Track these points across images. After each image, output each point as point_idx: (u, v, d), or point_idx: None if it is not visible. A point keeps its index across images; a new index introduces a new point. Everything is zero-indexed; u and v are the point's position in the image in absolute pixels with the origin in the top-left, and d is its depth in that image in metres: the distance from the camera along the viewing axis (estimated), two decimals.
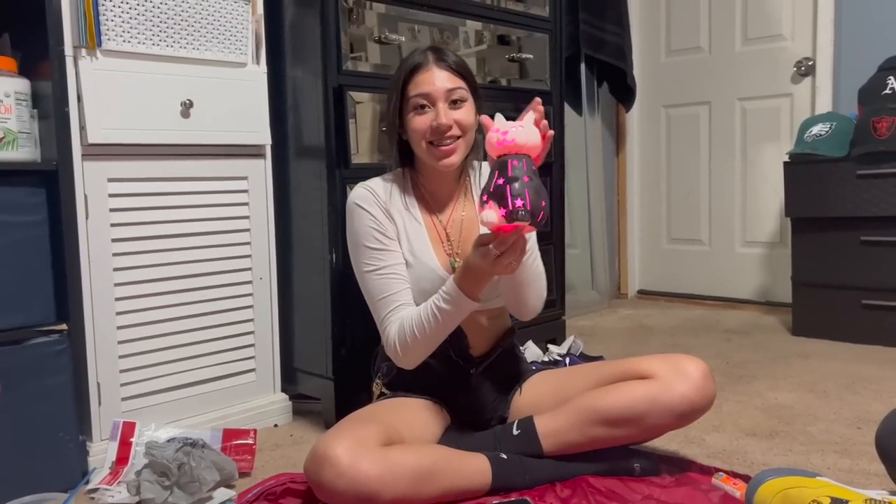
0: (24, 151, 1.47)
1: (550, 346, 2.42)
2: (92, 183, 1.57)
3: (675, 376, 1.37)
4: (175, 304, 1.71)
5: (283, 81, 1.93)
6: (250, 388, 1.87)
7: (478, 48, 2.16)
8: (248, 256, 1.84)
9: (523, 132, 1.24)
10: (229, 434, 1.66)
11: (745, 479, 1.38)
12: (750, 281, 3.38)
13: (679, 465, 1.50)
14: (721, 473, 1.40)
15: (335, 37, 1.79)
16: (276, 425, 1.89)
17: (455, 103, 1.46)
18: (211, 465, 1.44)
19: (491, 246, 1.25)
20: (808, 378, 2.18)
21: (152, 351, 1.69)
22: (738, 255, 3.42)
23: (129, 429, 1.60)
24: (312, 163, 1.87)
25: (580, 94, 3.35)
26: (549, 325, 2.49)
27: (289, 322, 1.98)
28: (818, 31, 3.06)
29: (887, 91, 2.50)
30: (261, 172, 1.85)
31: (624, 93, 3.44)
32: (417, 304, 1.44)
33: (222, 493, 1.44)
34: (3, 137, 1.42)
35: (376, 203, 1.49)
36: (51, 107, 1.49)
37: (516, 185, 1.20)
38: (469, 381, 1.53)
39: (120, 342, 1.63)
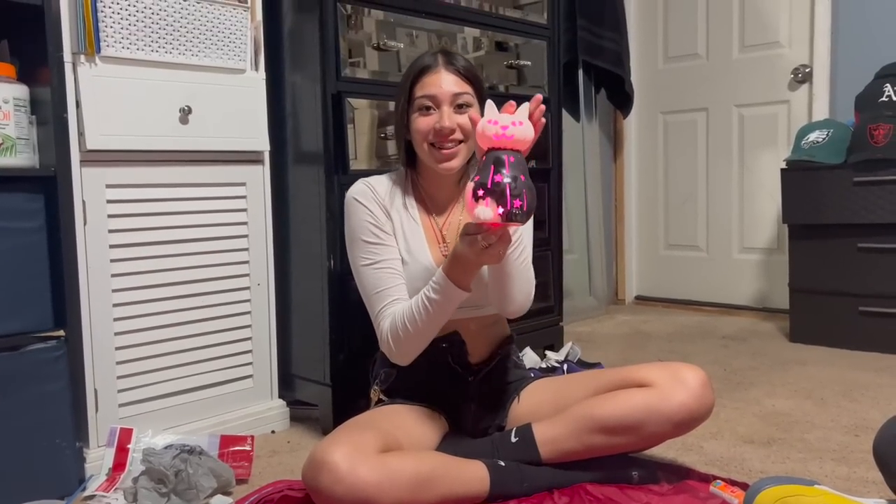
0: (23, 157, 1.47)
1: (548, 353, 2.42)
2: (90, 189, 1.57)
3: (673, 384, 1.37)
4: (173, 310, 1.71)
5: (282, 88, 1.93)
6: (248, 394, 1.86)
7: (476, 55, 2.17)
8: (247, 262, 1.84)
9: (522, 130, 1.23)
10: (226, 440, 1.66)
11: (744, 486, 1.38)
12: (747, 287, 3.39)
13: (677, 473, 1.49)
14: (719, 481, 1.40)
15: (334, 43, 1.80)
16: (273, 431, 1.89)
17: (460, 108, 1.46)
18: (208, 472, 1.44)
19: (479, 237, 1.25)
20: (805, 385, 2.18)
21: (150, 357, 1.68)
22: (736, 262, 3.43)
23: (126, 435, 1.59)
24: (311, 169, 1.87)
25: (578, 100, 3.36)
26: (547, 332, 2.49)
27: (286, 328, 1.98)
28: (815, 38, 3.07)
29: (884, 98, 2.51)
30: (259, 178, 1.85)
31: (621, 99, 3.45)
32: None
33: (219, 501, 1.43)
34: (2, 143, 1.42)
35: (374, 199, 1.50)
36: (49, 113, 1.49)
37: (515, 184, 1.19)
38: (467, 388, 1.53)
39: (117, 348, 1.63)
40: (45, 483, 1.45)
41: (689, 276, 3.60)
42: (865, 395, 2.06)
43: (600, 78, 3.42)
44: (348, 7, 1.83)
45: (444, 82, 1.45)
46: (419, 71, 1.48)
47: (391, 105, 1.86)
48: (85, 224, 1.57)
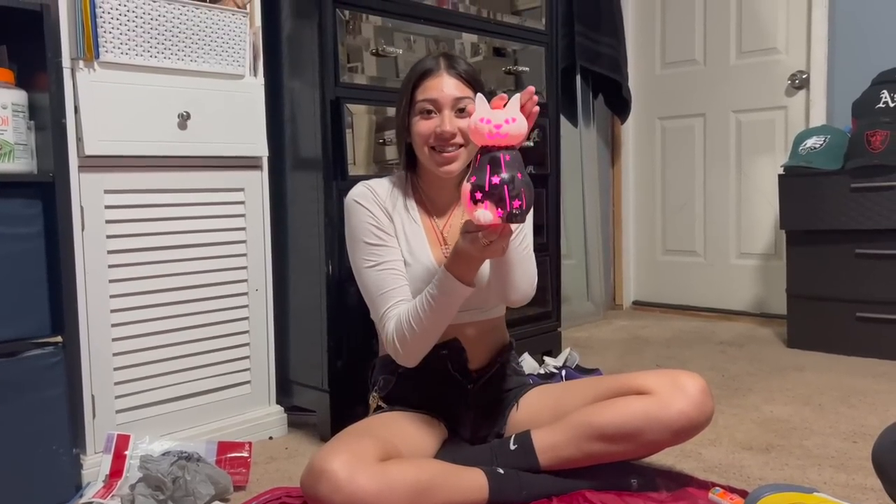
0: (21, 163, 1.46)
1: (546, 359, 2.42)
2: (88, 194, 1.57)
3: (672, 392, 1.36)
4: (170, 316, 1.71)
5: (281, 93, 1.93)
6: (245, 400, 1.86)
7: (474, 60, 2.17)
8: (245, 268, 1.84)
9: (516, 126, 1.20)
10: (224, 447, 1.65)
11: (742, 494, 1.38)
12: (745, 292, 3.39)
13: (676, 481, 1.49)
14: (718, 488, 1.40)
15: (333, 49, 1.80)
16: (271, 438, 1.88)
17: (461, 112, 1.45)
18: (206, 478, 1.44)
19: (480, 235, 1.24)
20: (803, 391, 2.18)
21: (147, 363, 1.68)
22: (733, 267, 3.43)
23: (123, 442, 1.59)
24: (309, 174, 1.87)
25: (576, 105, 3.36)
26: (545, 337, 2.49)
27: (284, 334, 1.98)
28: (812, 44, 3.08)
29: (881, 105, 2.52)
30: (257, 184, 1.85)
31: (619, 104, 3.45)
32: None
33: None
34: (0, 149, 1.42)
35: (375, 201, 1.49)
36: (48, 118, 1.49)
37: (513, 184, 1.18)
38: (466, 395, 1.53)
39: (115, 354, 1.62)
40: (41, 490, 1.44)
41: (686, 281, 3.61)
42: (863, 402, 2.07)
43: (598, 83, 3.43)
44: (347, 13, 1.83)
45: (446, 86, 1.45)
46: (421, 74, 1.47)
47: (389, 110, 1.86)
48: (83, 230, 1.56)
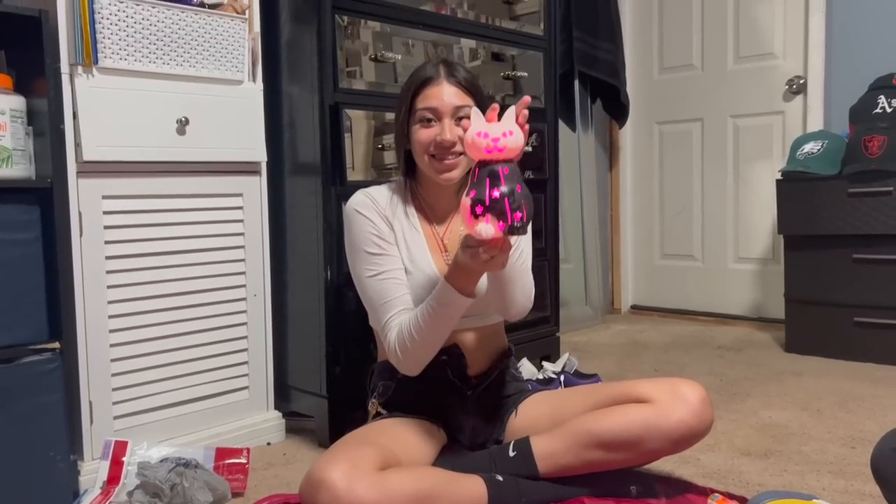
0: (19, 169, 1.46)
1: (545, 364, 2.42)
2: (86, 200, 1.56)
3: (672, 401, 1.36)
4: (169, 322, 1.70)
5: (279, 99, 1.93)
6: (243, 405, 1.86)
7: (472, 65, 2.17)
8: (243, 273, 1.83)
9: (513, 139, 1.20)
10: (222, 453, 1.65)
11: (741, 500, 1.38)
12: (743, 297, 3.40)
13: (675, 487, 1.49)
14: (717, 495, 1.40)
15: (331, 55, 1.80)
16: (269, 443, 1.88)
17: (461, 120, 1.45)
18: (204, 485, 1.43)
19: (480, 250, 1.24)
20: (801, 396, 2.19)
21: (145, 369, 1.67)
22: (731, 271, 3.44)
23: (120, 448, 1.58)
24: (308, 180, 1.87)
25: (574, 110, 3.37)
26: (544, 342, 2.48)
27: (283, 339, 1.97)
28: (809, 50, 3.09)
29: (878, 110, 2.53)
30: (256, 189, 1.85)
31: (617, 109, 3.46)
32: None
33: None
34: None
35: (375, 209, 1.49)
36: (46, 124, 1.49)
37: (514, 197, 1.18)
38: (466, 402, 1.53)
39: (113, 360, 1.62)
40: (38, 496, 1.44)
41: (684, 285, 3.61)
42: (861, 407, 2.07)
43: (596, 88, 3.43)
44: (345, 18, 1.83)
45: (446, 94, 1.45)
46: (421, 82, 1.47)
47: (388, 116, 1.86)
48: (81, 235, 1.56)
